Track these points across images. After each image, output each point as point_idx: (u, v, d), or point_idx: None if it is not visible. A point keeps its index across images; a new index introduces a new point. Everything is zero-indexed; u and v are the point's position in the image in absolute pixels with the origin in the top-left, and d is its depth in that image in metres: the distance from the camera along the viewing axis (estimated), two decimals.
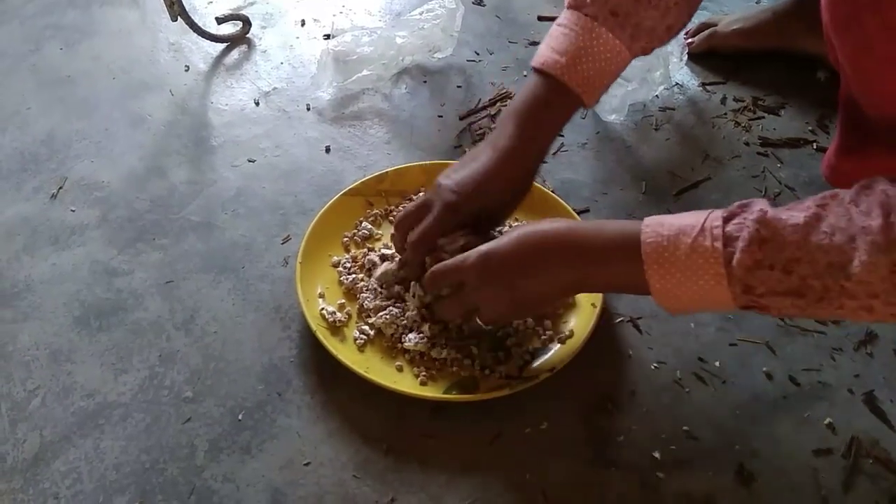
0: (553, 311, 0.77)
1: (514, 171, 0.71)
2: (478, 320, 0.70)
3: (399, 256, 0.78)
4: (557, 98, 0.70)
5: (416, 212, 0.73)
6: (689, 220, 0.57)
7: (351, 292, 0.79)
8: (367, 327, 0.76)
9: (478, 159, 0.71)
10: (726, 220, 0.56)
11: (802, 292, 0.53)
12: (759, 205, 0.55)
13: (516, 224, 0.83)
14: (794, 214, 0.54)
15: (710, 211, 0.57)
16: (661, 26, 0.70)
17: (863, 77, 0.61)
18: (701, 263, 0.55)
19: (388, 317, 0.75)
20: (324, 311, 0.76)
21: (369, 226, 0.86)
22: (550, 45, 0.70)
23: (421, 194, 0.81)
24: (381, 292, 0.78)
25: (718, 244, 0.55)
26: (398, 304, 0.76)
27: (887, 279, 0.50)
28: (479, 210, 0.71)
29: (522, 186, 0.74)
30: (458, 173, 0.71)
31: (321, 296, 0.79)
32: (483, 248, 0.66)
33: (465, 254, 0.67)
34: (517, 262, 0.64)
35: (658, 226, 0.58)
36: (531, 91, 0.71)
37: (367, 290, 0.79)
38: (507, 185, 0.72)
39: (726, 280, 0.55)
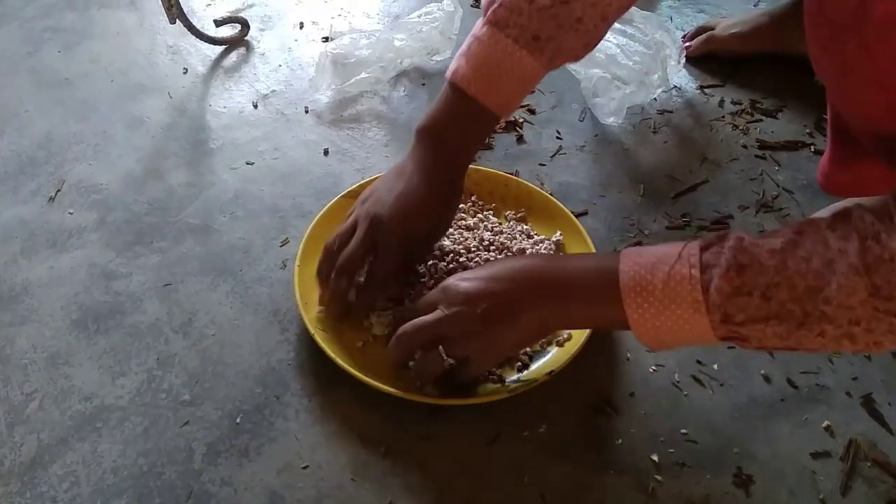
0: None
1: (442, 196, 0.73)
2: (441, 352, 0.66)
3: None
4: (475, 117, 0.70)
5: (361, 251, 0.72)
6: (666, 249, 0.57)
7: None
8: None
9: (406, 184, 0.72)
10: (703, 248, 0.55)
11: (783, 317, 0.52)
12: (737, 233, 0.55)
13: (488, 260, 0.81)
14: (771, 240, 0.53)
15: (687, 241, 0.57)
16: (579, 46, 0.69)
17: (844, 97, 0.61)
18: (679, 291, 0.54)
19: (384, 320, 0.75)
20: (321, 314, 0.76)
21: None
22: (469, 62, 0.69)
23: (349, 219, 0.76)
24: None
25: (696, 271, 0.54)
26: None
27: (866, 302, 0.49)
28: (409, 236, 0.72)
29: (450, 210, 0.75)
30: (390, 202, 0.71)
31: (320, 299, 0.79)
32: (456, 283, 0.65)
33: (431, 302, 0.66)
34: (494, 302, 0.63)
35: (636, 255, 0.58)
36: (449, 109, 0.71)
37: None
38: (434, 209, 0.73)
39: (704, 307, 0.54)
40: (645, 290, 0.56)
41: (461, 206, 0.86)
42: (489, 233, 0.84)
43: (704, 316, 0.54)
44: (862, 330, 0.50)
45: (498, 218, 0.88)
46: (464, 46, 0.70)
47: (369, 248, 0.72)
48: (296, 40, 1.21)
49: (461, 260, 0.79)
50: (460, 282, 0.65)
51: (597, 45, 0.71)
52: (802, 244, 0.52)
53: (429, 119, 0.72)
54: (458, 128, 0.71)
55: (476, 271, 0.66)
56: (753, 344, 0.55)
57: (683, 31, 1.20)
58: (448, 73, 0.71)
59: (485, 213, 0.88)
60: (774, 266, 0.52)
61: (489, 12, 0.68)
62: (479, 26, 0.70)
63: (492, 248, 0.81)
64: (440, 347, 0.65)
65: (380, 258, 0.72)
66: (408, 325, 0.67)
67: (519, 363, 0.73)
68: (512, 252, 0.81)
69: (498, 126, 1.02)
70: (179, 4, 1.09)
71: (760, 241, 0.54)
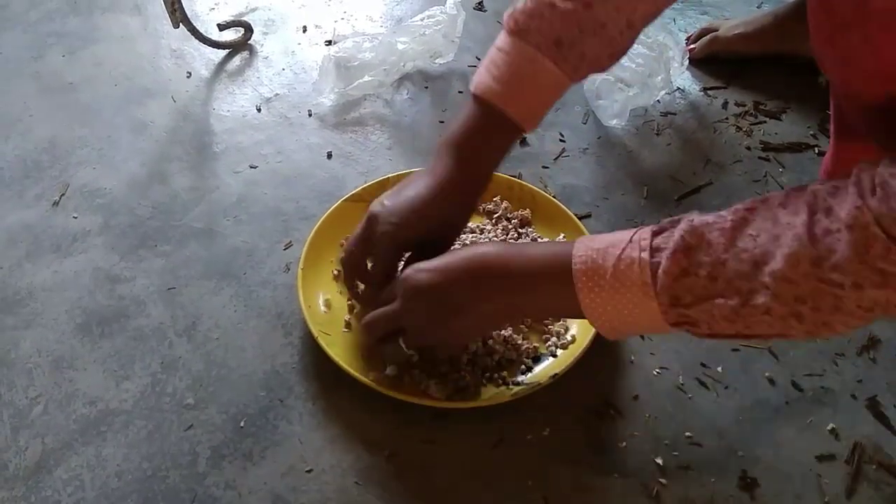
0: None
1: (453, 201, 0.69)
2: (401, 343, 0.68)
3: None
4: (498, 128, 0.68)
5: (358, 249, 0.71)
6: (619, 235, 0.57)
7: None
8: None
9: (415, 187, 0.69)
10: (655, 233, 0.55)
11: (728, 295, 0.51)
12: (690, 216, 0.55)
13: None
14: (721, 221, 0.53)
15: (640, 227, 0.57)
16: (604, 54, 0.67)
17: (847, 90, 0.61)
18: (628, 274, 0.54)
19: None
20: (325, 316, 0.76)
21: None
22: (491, 73, 0.67)
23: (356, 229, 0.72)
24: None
25: (645, 254, 0.54)
26: None
27: (810, 275, 0.48)
28: (418, 238, 0.69)
29: (462, 217, 0.72)
30: (393, 201, 0.68)
31: (324, 302, 0.79)
32: (412, 274, 0.64)
33: (393, 291, 0.66)
34: (446, 296, 0.62)
35: (589, 241, 0.58)
36: (471, 120, 0.68)
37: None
38: (445, 216, 0.70)
39: (653, 290, 0.53)
40: (596, 273, 0.56)
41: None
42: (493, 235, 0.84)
43: (654, 299, 0.54)
44: (808, 309, 0.49)
45: (500, 223, 0.88)
46: (486, 58, 0.68)
47: (367, 248, 0.70)
48: (299, 44, 1.21)
49: None
50: (415, 273, 0.64)
51: (623, 55, 0.69)
52: (752, 221, 0.51)
53: (450, 131, 0.70)
54: (480, 138, 0.68)
55: (432, 262, 0.64)
56: (703, 329, 0.54)
57: (687, 32, 1.20)
58: (471, 86, 0.69)
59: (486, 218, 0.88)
60: (723, 244, 0.51)
61: (510, 20, 0.66)
62: (501, 37, 0.67)
63: None
64: (400, 339, 0.67)
65: (375, 256, 0.71)
66: (370, 316, 0.68)
67: (522, 366, 0.73)
68: None
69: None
70: (183, 8, 1.09)
71: (712, 219, 0.53)
